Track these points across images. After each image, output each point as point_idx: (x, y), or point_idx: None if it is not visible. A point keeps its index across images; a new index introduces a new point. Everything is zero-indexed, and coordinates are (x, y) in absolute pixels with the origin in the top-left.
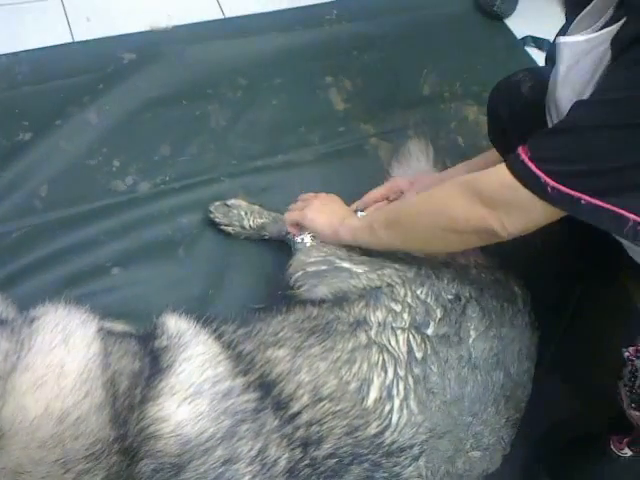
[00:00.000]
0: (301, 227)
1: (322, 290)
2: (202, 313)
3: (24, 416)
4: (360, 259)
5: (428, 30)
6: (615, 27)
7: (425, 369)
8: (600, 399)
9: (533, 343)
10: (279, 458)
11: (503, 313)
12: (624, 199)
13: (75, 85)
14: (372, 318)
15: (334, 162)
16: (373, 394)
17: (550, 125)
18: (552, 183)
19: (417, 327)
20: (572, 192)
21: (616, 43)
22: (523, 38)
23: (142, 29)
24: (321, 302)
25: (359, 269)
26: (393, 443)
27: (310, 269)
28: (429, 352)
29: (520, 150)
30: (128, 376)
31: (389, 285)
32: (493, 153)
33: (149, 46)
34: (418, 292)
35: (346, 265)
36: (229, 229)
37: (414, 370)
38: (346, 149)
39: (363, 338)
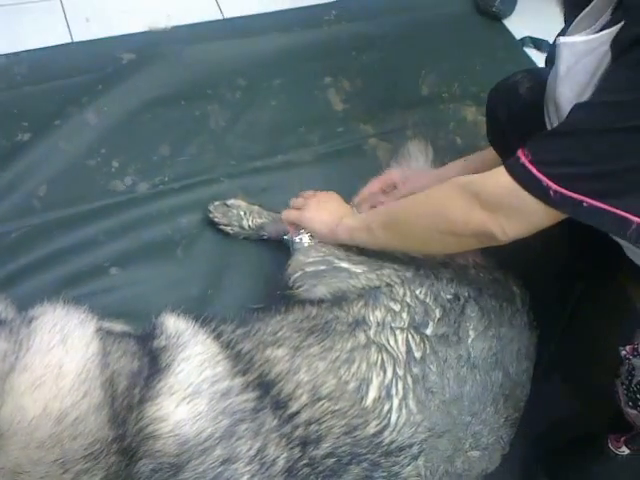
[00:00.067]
0: (299, 226)
1: (321, 290)
2: (201, 313)
3: (23, 416)
4: (359, 259)
5: (427, 31)
6: (614, 29)
7: (424, 369)
8: (598, 398)
9: (532, 343)
10: (278, 457)
11: (502, 313)
12: (627, 201)
13: (74, 85)
14: (371, 318)
15: (333, 162)
16: (372, 394)
17: (548, 126)
18: (554, 186)
19: (416, 327)
20: (574, 195)
21: (616, 44)
22: (522, 39)
23: (141, 29)
24: (320, 302)
25: (358, 269)
26: (392, 442)
27: (309, 269)
28: (428, 352)
29: (520, 153)
30: (127, 376)
31: (388, 285)
32: (490, 151)
33: (148, 46)
34: (417, 292)
35: (345, 265)
36: (228, 229)
37: (413, 370)
38: (345, 149)
39: (362, 338)
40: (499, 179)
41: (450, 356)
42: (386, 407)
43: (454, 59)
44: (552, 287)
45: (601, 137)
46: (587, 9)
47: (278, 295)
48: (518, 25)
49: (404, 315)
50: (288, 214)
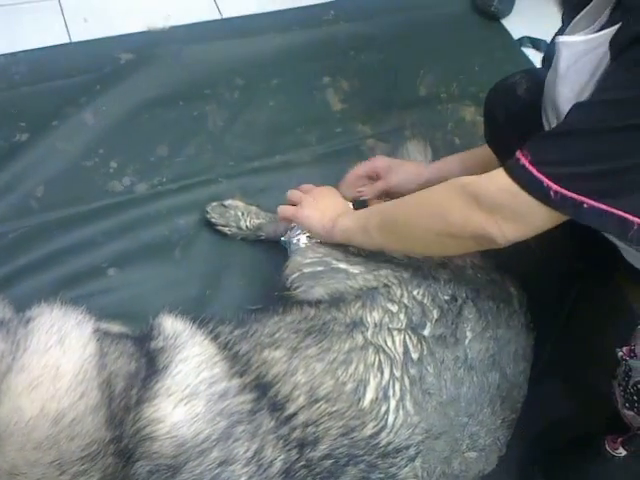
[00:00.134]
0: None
1: (318, 291)
2: (198, 314)
3: (20, 417)
4: (356, 260)
5: (425, 31)
6: (613, 29)
7: (421, 370)
8: (595, 399)
9: (529, 344)
10: (275, 459)
11: (499, 314)
12: (628, 202)
13: (72, 85)
14: (368, 319)
15: (331, 163)
16: (369, 395)
17: (546, 127)
18: (555, 187)
19: (413, 328)
20: (575, 196)
21: (615, 44)
22: (520, 39)
23: (139, 29)
24: (318, 303)
25: (355, 270)
26: (389, 444)
27: (306, 270)
28: (425, 353)
29: (519, 154)
30: (124, 377)
31: (386, 286)
32: (486, 148)
33: (146, 46)
34: (415, 293)
35: (342, 266)
36: (226, 230)
37: (410, 371)
38: (343, 150)
39: (359, 339)
40: (498, 181)
41: (447, 357)
42: (383, 408)
43: (452, 59)
44: (549, 288)
45: (601, 136)
46: (586, 9)
47: (276, 296)
48: (516, 25)
49: (401, 316)
50: (284, 210)
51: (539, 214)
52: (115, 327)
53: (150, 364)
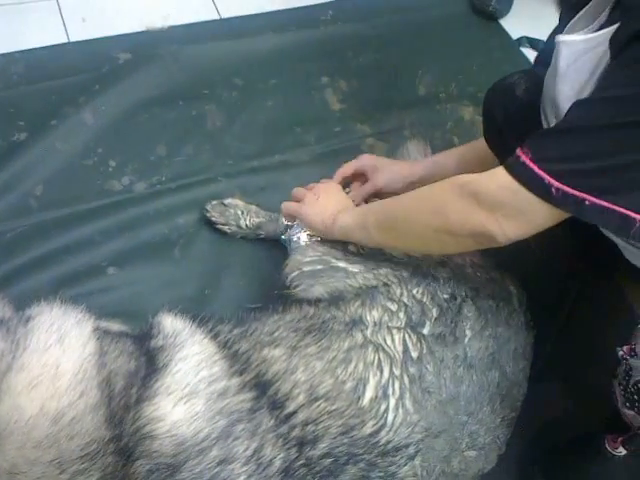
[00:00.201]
0: (297, 222)
1: (318, 289)
2: (198, 312)
3: (20, 416)
4: (356, 258)
5: (423, 31)
6: (613, 28)
7: (421, 368)
8: (595, 398)
9: (529, 342)
10: (274, 458)
11: (499, 312)
12: (630, 199)
13: (71, 85)
14: (368, 317)
15: (330, 162)
16: (369, 393)
17: (545, 126)
18: (556, 184)
19: (413, 326)
20: (576, 192)
21: (614, 43)
22: (518, 39)
23: (138, 29)
24: (317, 301)
25: (355, 268)
26: (389, 442)
27: (306, 269)
28: (425, 351)
29: (519, 152)
30: (124, 376)
31: (385, 284)
32: (480, 142)
33: (145, 46)
34: (414, 291)
35: (342, 264)
36: (225, 228)
37: (410, 369)
38: (342, 149)
39: (359, 337)
40: (499, 178)
41: (447, 356)
42: (383, 407)
43: (451, 59)
44: (549, 287)
45: (601, 133)
46: (585, 9)
47: (275, 295)
48: (514, 25)
49: (401, 315)
50: (287, 206)
51: (540, 211)
52: (115, 326)
53: (150, 363)
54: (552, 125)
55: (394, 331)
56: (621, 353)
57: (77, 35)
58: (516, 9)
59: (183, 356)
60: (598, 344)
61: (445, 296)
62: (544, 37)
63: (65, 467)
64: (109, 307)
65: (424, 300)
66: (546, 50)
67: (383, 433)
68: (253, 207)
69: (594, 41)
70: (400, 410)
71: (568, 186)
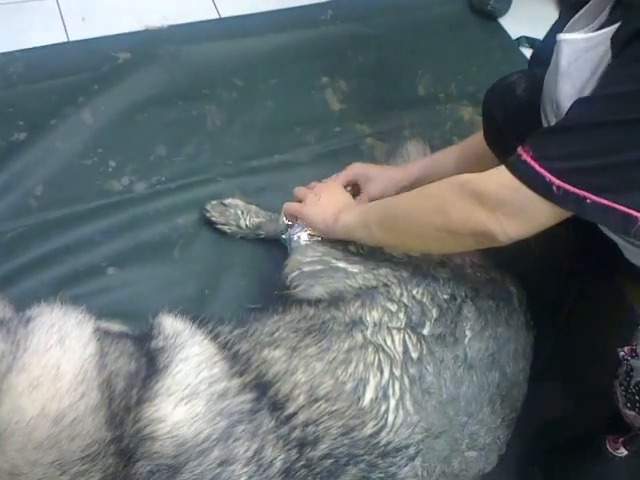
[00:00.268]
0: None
1: (318, 290)
2: (198, 313)
3: (21, 417)
4: (356, 259)
5: (423, 30)
6: (614, 27)
7: (421, 369)
8: (596, 398)
9: (529, 342)
10: (275, 459)
11: (499, 313)
12: (631, 197)
13: (70, 85)
14: (368, 318)
15: (330, 162)
16: (369, 394)
17: (545, 125)
18: (557, 182)
19: (413, 327)
20: (578, 191)
21: (616, 41)
22: (518, 38)
23: (137, 29)
24: (317, 302)
25: (355, 269)
26: (389, 443)
27: (306, 269)
28: (425, 352)
29: (521, 150)
30: (124, 377)
31: (385, 285)
32: (476, 139)
33: (144, 46)
34: (414, 292)
35: (342, 265)
36: (225, 228)
37: (410, 370)
38: (342, 149)
39: (359, 338)
40: (500, 177)
41: (447, 356)
42: (383, 408)
43: (450, 59)
44: (549, 287)
45: (602, 131)
46: (585, 7)
47: (275, 295)
48: (514, 25)
49: (401, 315)
50: (289, 206)
51: (542, 210)
52: (115, 326)
53: (150, 364)
54: (553, 124)
55: (394, 332)
56: (622, 354)
57: (77, 34)
58: (515, 9)
59: (183, 357)
60: (598, 344)
61: (445, 296)
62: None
63: (66, 468)
64: (109, 307)
65: (424, 300)
66: (542, 48)
67: (383, 434)
68: (253, 207)
69: (595, 40)
70: (400, 411)
71: (569, 184)
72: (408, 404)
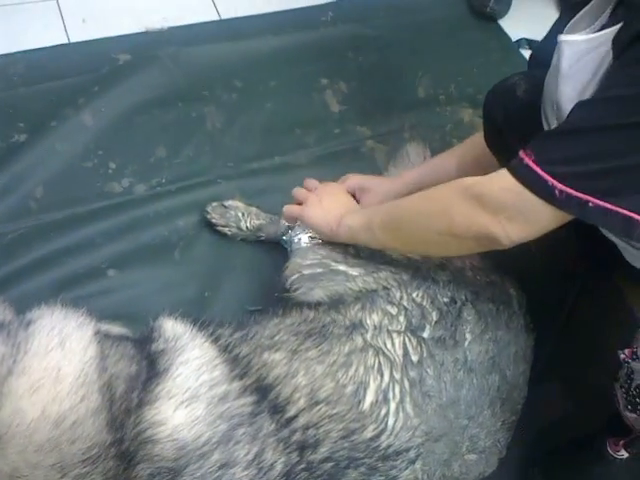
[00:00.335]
0: (299, 223)
1: (318, 293)
2: (198, 315)
3: (21, 419)
4: (356, 262)
5: (423, 32)
6: (615, 28)
7: (421, 372)
8: (596, 400)
9: (529, 345)
10: (275, 462)
11: (499, 316)
12: (633, 201)
13: (70, 86)
14: (368, 321)
15: (330, 164)
16: (369, 397)
17: (546, 128)
18: (560, 186)
19: (413, 330)
20: (580, 194)
21: (618, 43)
22: (518, 40)
23: (137, 30)
24: (317, 305)
25: (355, 272)
26: (389, 447)
27: (306, 272)
28: (425, 355)
29: (523, 154)
30: (125, 380)
31: (385, 288)
32: (475, 140)
33: (144, 47)
34: (414, 295)
35: (342, 268)
36: (225, 230)
37: (410, 373)
38: (342, 151)
39: (359, 341)
40: (502, 181)
41: (447, 360)
42: (383, 411)
43: (450, 61)
44: (549, 289)
45: (603, 134)
46: (585, 9)
47: (275, 297)
48: (514, 27)
49: (401, 318)
50: (290, 209)
51: (544, 214)
52: (115, 329)
53: (151, 367)
54: (553, 126)
55: (394, 335)
56: (622, 356)
57: (77, 36)
58: (515, 10)
59: (184, 360)
60: (598, 345)
61: (445, 299)
62: None
63: (66, 471)
64: (109, 309)
65: (424, 303)
66: (541, 50)
67: (384, 437)
68: (253, 209)
69: (596, 41)
70: (401, 414)
71: (572, 188)
72: (408, 407)
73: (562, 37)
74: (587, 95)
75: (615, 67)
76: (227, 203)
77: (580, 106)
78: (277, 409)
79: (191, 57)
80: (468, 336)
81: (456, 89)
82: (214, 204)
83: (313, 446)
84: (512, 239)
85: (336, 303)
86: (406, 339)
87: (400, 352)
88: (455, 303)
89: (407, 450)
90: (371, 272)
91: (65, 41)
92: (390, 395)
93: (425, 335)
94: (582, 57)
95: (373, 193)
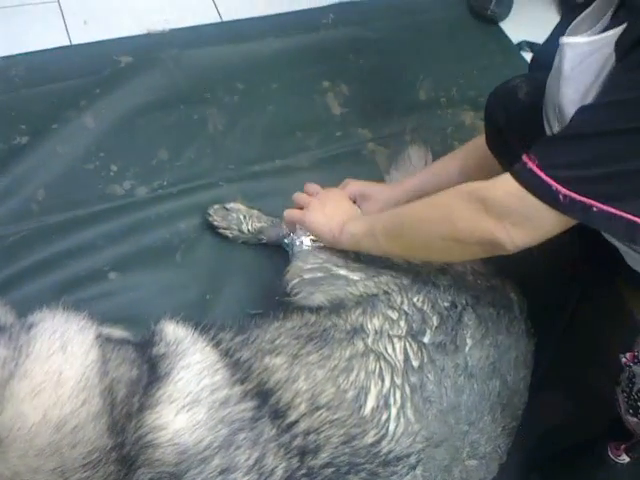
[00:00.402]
0: (300, 227)
1: (319, 297)
2: (200, 318)
3: (22, 423)
4: (357, 266)
5: (424, 35)
6: (618, 30)
7: (422, 377)
8: (598, 405)
9: (529, 350)
10: (276, 467)
11: (499, 320)
12: (637, 205)
13: (72, 88)
14: (369, 326)
15: (331, 167)
16: (370, 403)
17: (548, 130)
18: (564, 190)
19: (414, 335)
20: (584, 199)
21: (620, 46)
22: (519, 43)
23: (139, 32)
24: (318, 309)
25: (355, 276)
26: (390, 452)
27: (307, 276)
28: (425, 360)
29: (526, 158)
30: (126, 384)
31: (386, 292)
32: (477, 143)
33: (146, 49)
34: (415, 299)
35: (343, 272)
36: (227, 232)
37: (411, 378)
38: (343, 154)
39: (360, 346)
40: (506, 185)
41: (447, 365)
42: (384, 416)
43: (452, 63)
44: (550, 294)
45: (605, 139)
46: (587, 10)
47: (276, 301)
48: (515, 29)
49: (402, 323)
50: (291, 214)
51: (548, 218)
52: (116, 332)
53: (152, 371)
54: (555, 129)
55: (395, 340)
56: (624, 360)
57: (79, 38)
58: (516, 13)
59: (185, 364)
60: (600, 350)
61: (446, 304)
62: None
63: (67, 475)
64: (110, 312)
65: (424, 308)
66: (542, 52)
67: (384, 443)
68: (255, 212)
69: (599, 43)
70: (401, 419)
71: (575, 192)
72: (409, 413)
73: (564, 39)
74: (589, 97)
75: (618, 71)
76: (229, 206)
77: (583, 110)
78: (278, 414)
79: (193, 59)
80: (469, 341)
81: (457, 92)
82: (216, 207)
83: (314, 451)
84: (516, 244)
85: (337, 307)
86: (407, 344)
87: (401, 357)
88: (456, 307)
89: (408, 456)
90: (372, 276)
91: (66, 43)
92: (391, 400)
93: (426, 340)
94: (584, 59)
95: (374, 200)
